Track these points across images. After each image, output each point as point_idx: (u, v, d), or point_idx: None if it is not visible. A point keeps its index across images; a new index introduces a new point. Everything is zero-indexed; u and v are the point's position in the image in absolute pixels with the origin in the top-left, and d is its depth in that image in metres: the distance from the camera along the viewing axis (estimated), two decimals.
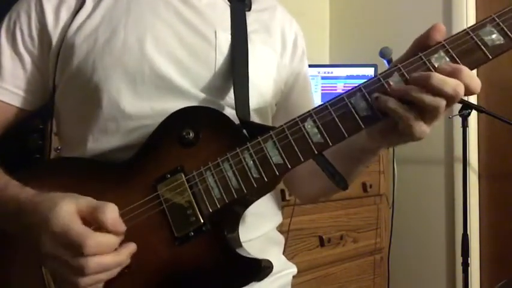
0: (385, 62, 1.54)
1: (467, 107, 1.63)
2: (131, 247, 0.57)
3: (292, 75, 0.82)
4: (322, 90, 1.95)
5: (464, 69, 0.51)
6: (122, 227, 0.55)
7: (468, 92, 0.51)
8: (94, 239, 0.52)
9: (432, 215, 1.98)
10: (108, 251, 0.53)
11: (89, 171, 0.65)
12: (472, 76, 0.51)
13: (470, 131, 1.84)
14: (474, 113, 1.75)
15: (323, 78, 1.96)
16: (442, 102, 0.51)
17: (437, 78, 0.51)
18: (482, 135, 1.92)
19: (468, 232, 1.67)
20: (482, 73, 1.99)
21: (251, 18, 0.78)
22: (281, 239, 0.81)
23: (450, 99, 0.51)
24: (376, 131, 0.57)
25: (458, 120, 1.70)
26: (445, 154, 1.94)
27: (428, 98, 0.51)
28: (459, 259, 1.66)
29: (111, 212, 0.54)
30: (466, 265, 1.64)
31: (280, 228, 0.78)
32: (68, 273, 0.53)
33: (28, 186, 0.60)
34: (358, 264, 1.75)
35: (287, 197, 1.35)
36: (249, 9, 0.79)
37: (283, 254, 0.82)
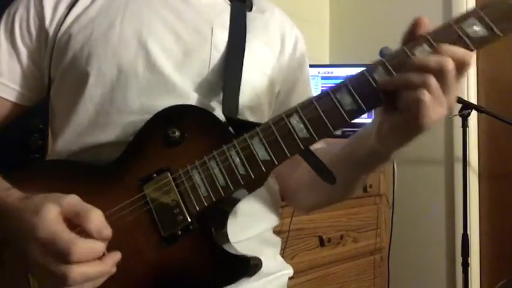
0: None
1: (467, 107, 1.62)
2: (116, 256, 0.55)
3: (290, 77, 0.81)
4: (322, 90, 1.95)
5: (443, 46, 0.51)
6: (108, 233, 0.53)
7: (459, 63, 0.50)
8: (80, 246, 0.50)
9: (432, 215, 1.97)
10: (93, 257, 0.52)
11: (75, 173, 0.64)
12: (454, 48, 0.51)
13: (470, 131, 1.83)
14: (474, 113, 1.75)
15: (323, 78, 1.96)
16: (430, 78, 0.50)
17: (418, 58, 0.52)
18: (482, 135, 1.91)
19: (468, 232, 1.67)
20: (483, 73, 1.99)
21: (251, 18, 0.78)
22: (277, 240, 0.80)
23: (438, 74, 0.50)
24: (386, 128, 0.56)
25: (458, 120, 1.70)
26: (445, 154, 1.94)
27: (413, 76, 0.50)
28: (459, 259, 1.66)
29: (95, 219, 0.52)
30: (466, 265, 1.63)
31: (280, 228, 0.78)
32: (52, 282, 0.51)
33: (15, 188, 0.59)
34: (358, 264, 1.74)
35: None
36: (250, 10, 0.79)
37: (283, 254, 0.81)
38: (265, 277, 0.70)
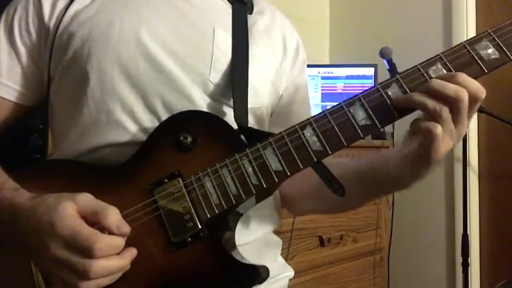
0: (385, 62, 1.54)
1: None
2: (133, 252, 0.56)
3: (292, 84, 0.82)
4: (322, 90, 1.95)
5: (460, 74, 0.53)
6: (127, 229, 0.55)
7: (472, 97, 0.52)
8: (102, 241, 0.51)
9: (432, 215, 1.97)
10: (114, 252, 0.53)
11: (84, 174, 0.64)
12: (471, 80, 0.53)
13: (470, 131, 1.84)
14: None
15: (323, 78, 1.96)
16: (444, 108, 0.52)
17: (438, 82, 0.53)
18: (482, 135, 1.91)
19: (468, 232, 1.68)
20: None
21: (252, 20, 0.78)
22: (278, 241, 0.81)
23: (453, 103, 0.52)
24: (400, 156, 0.58)
25: None
26: (445, 154, 1.94)
27: (430, 102, 0.52)
28: (459, 259, 1.67)
29: (113, 216, 0.54)
30: (466, 265, 1.64)
31: (281, 228, 0.78)
32: (71, 277, 0.52)
33: (22, 188, 0.59)
34: (358, 264, 1.74)
35: None
36: (251, 12, 0.79)
37: (287, 254, 0.81)
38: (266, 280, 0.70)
